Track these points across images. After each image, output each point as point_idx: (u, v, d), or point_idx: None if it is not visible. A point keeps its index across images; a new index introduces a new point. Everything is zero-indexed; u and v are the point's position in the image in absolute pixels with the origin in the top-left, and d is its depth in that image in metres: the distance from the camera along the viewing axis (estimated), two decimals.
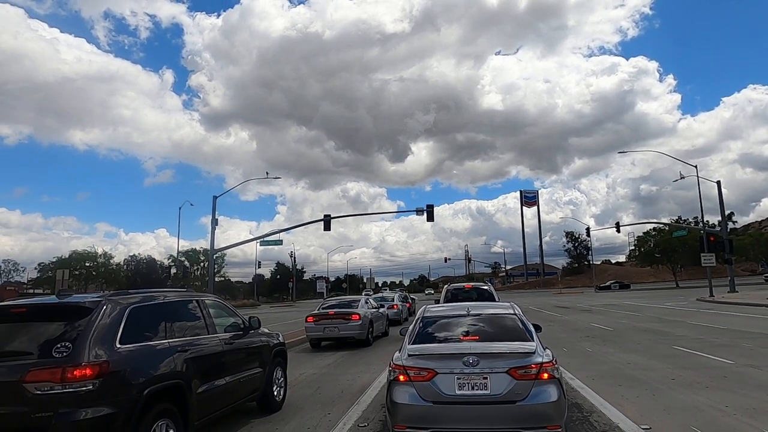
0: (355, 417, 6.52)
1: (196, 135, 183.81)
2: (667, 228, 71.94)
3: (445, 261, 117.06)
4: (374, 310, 16.42)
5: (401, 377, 4.72)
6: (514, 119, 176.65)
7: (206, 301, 6.14)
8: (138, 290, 5.31)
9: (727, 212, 50.59)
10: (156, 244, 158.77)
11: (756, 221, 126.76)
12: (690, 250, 66.33)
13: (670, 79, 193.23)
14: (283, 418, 6.70)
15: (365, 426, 6.09)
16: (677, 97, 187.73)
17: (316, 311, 15.23)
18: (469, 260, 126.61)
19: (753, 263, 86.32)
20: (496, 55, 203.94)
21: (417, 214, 34.60)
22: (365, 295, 27.52)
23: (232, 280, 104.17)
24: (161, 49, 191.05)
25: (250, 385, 6.38)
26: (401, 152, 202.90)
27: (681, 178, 41.05)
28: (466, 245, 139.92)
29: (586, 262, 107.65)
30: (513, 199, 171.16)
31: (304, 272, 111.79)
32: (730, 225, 71.08)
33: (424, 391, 4.54)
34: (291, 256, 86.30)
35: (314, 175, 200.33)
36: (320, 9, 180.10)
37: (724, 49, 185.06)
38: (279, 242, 42.63)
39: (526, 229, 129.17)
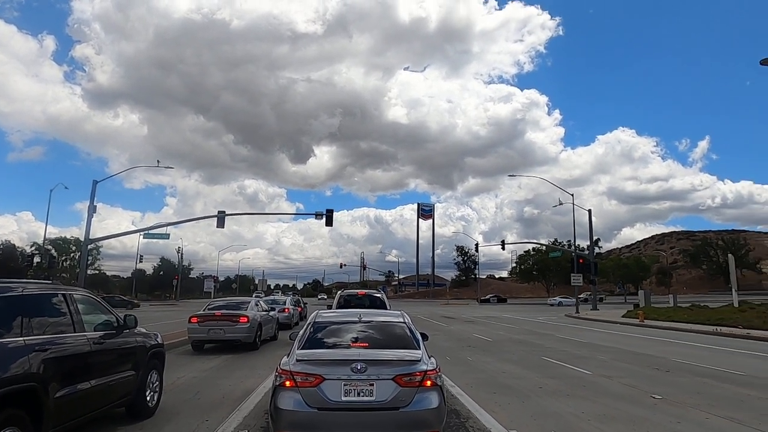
0: (236, 423, 6.26)
1: (77, 111, 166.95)
2: (544, 249, 78.65)
3: (341, 267, 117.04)
4: (264, 313, 15.96)
5: (287, 383, 4.63)
6: (417, 134, 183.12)
7: (75, 295, 5.55)
8: None
9: (594, 238, 56.45)
10: (17, 228, 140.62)
11: (617, 248, 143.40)
12: (562, 270, 73.05)
13: (557, 114, 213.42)
14: (156, 425, 6.24)
15: None
16: (561, 131, 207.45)
17: (201, 312, 14.44)
18: (364, 267, 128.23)
19: (612, 285, 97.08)
20: (404, 70, 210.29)
21: (316, 218, 34.39)
22: (256, 297, 26.67)
23: (108, 273, 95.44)
24: (40, 10, 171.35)
25: (120, 389, 5.86)
26: (304, 153, 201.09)
27: (559, 204, 45.25)
28: (362, 252, 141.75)
29: (473, 276, 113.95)
30: (410, 210, 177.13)
31: (192, 269, 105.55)
32: (597, 250, 79.43)
33: (309, 398, 4.49)
34: (178, 252, 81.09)
35: (210, 168, 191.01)
36: None
37: (601, 93, 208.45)
38: (165, 236, 39.83)
39: (420, 241, 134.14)
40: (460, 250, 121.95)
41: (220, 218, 32.10)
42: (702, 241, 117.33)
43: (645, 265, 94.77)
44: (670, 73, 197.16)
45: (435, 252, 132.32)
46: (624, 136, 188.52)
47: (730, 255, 48.10)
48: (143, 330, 6.99)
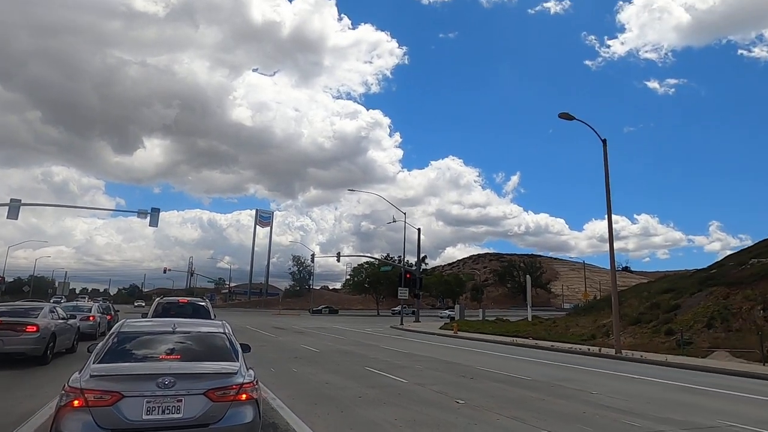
0: None
1: None
2: (377, 263, 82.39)
3: (165, 271, 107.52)
4: (61, 321, 13.79)
5: (76, 402, 4.02)
6: (261, 138, 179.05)
7: None
8: None
9: (422, 255, 61.03)
10: None
11: (440, 265, 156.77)
12: (392, 284, 77.16)
13: (397, 136, 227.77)
14: None
15: None
16: (400, 153, 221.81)
17: None
18: (192, 273, 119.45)
19: (434, 298, 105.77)
20: (253, 71, 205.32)
21: (139, 217, 31.24)
22: (53, 302, 22.99)
23: None
24: None
25: None
26: (130, 143, 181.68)
27: (393, 221, 48.01)
28: (191, 257, 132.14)
29: (307, 286, 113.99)
30: (247, 216, 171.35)
31: None
32: (423, 266, 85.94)
33: (102, 418, 3.95)
34: None
35: (6, 147, 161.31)
36: None
37: (437, 122, 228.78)
38: None
39: (256, 248, 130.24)
40: (297, 260, 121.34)
41: (14, 207, 27.14)
42: (508, 263, 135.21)
43: (462, 282, 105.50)
44: (495, 111, 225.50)
45: (270, 261, 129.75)
46: (453, 164, 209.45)
47: (527, 276, 55.99)
48: None
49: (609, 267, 22.25)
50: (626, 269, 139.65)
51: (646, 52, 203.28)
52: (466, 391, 10.00)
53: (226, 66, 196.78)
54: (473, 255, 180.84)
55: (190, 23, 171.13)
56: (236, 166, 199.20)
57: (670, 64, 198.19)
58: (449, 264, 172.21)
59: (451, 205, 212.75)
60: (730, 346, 18.84)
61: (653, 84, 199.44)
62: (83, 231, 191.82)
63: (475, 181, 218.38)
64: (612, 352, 19.26)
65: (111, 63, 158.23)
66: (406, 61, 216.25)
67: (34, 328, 11.80)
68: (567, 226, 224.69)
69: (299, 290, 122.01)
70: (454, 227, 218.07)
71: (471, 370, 13.62)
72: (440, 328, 35.09)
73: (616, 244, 22.52)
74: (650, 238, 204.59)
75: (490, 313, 58.94)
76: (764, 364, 16.18)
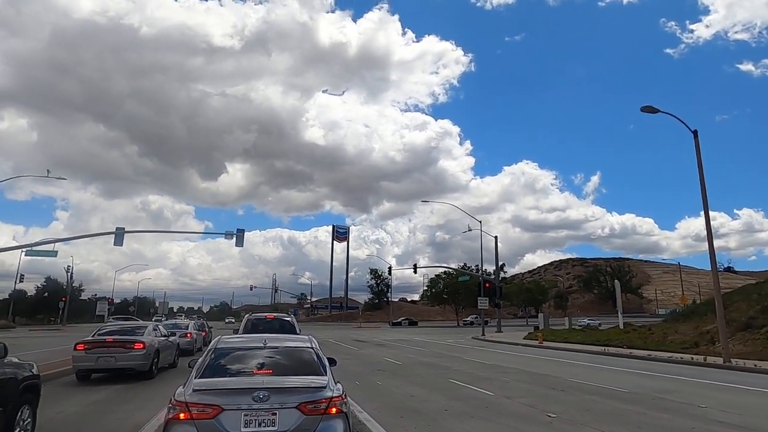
0: None
1: None
2: (454, 273, 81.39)
3: (251, 289, 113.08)
4: (163, 338, 14.88)
5: (182, 415, 4.30)
6: (334, 156, 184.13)
7: None
8: None
9: (500, 263, 59.56)
10: None
11: (520, 272, 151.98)
12: (471, 294, 75.79)
13: (468, 144, 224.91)
14: None
15: None
16: (472, 160, 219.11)
17: (89, 337, 13.14)
18: (276, 290, 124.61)
19: (515, 307, 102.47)
20: (323, 92, 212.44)
21: (226, 238, 33.12)
22: (155, 321, 24.87)
23: None
24: None
25: None
26: (215, 170, 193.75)
27: (469, 230, 47.33)
28: (275, 274, 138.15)
29: (385, 299, 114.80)
30: (324, 232, 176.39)
31: (83, 290, 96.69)
32: (502, 274, 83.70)
33: (205, 430, 4.20)
34: (67, 271, 73.79)
35: (109, 180, 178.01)
36: (140, 2, 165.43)
37: (508, 126, 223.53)
38: (52, 254, 36.11)
39: (334, 263, 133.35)
40: (374, 273, 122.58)
41: (119, 235, 29.80)
42: (593, 268, 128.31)
43: (544, 290, 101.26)
44: (568, 111, 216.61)
45: (349, 275, 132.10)
46: (528, 168, 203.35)
47: (616, 281, 52.77)
48: (15, 360, 6.22)
49: (708, 268, 20.47)
50: (729, 269, 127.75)
51: (737, 32, 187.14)
52: (557, 404, 9.56)
53: (298, 89, 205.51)
54: (554, 261, 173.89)
55: (263, 52, 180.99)
56: (312, 184, 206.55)
57: (766, 43, 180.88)
58: (529, 271, 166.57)
59: (528, 210, 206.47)
60: None
61: (747, 66, 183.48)
62: (178, 253, 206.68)
63: (552, 185, 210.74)
64: (719, 361, 17.60)
65: (195, 96, 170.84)
66: (473, 68, 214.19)
67: (141, 345, 12.83)
68: (656, 225, 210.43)
69: (378, 303, 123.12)
70: (533, 233, 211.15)
71: (561, 381, 13.01)
72: (524, 338, 33.88)
73: (716, 243, 20.70)
74: (755, 235, 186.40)
75: (577, 321, 56.13)
76: None
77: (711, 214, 20.03)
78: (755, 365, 16.53)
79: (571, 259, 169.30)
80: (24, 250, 35.87)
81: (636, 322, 46.57)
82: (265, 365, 5.20)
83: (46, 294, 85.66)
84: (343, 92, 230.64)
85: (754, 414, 8.80)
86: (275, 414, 4.33)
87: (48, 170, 31.63)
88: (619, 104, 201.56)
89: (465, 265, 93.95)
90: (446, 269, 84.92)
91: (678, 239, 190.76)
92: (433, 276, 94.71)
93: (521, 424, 7.87)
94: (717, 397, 10.67)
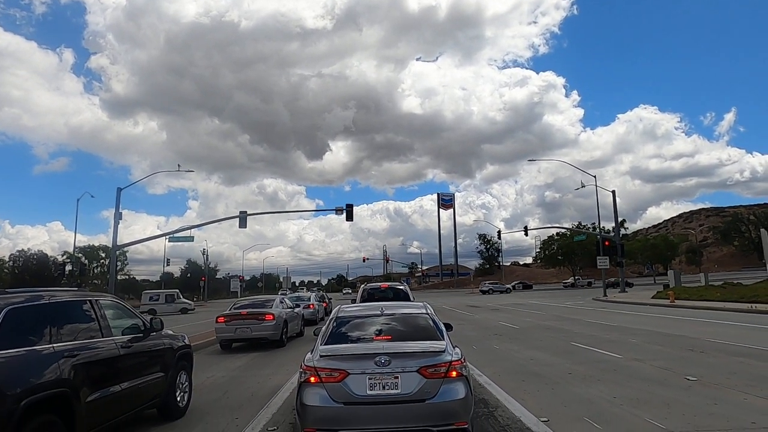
0: (264, 421, 6.31)
1: (98, 122, 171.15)
2: (568, 233, 77.48)
3: (363, 261, 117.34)
4: (289, 310, 16.09)
5: (312, 378, 4.62)
6: (432, 123, 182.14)
7: (101, 301, 5.64)
8: (20, 289, 4.78)
9: (619, 219, 55.45)
10: (48, 238, 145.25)
11: (643, 228, 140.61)
12: (588, 254, 71.83)
13: (575, 95, 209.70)
14: (187, 425, 6.33)
15: (275, 429, 5.91)
16: (580, 112, 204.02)
17: (227, 311, 14.63)
18: (387, 260, 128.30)
19: (640, 266, 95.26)
20: (416, 60, 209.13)
21: (336, 214, 34.48)
22: (281, 294, 26.92)
23: (138, 278, 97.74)
24: (58, 25, 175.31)
25: (150, 390, 5.95)
26: (319, 149, 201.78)
27: (582, 186, 44.43)
28: (384, 245, 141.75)
29: (496, 264, 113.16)
30: (429, 201, 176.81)
31: (218, 270, 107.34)
32: (622, 231, 78.00)
33: (335, 393, 4.47)
34: (203, 254, 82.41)
35: (228, 169, 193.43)
36: None
37: (620, 70, 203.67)
38: (190, 239, 40.44)
39: (441, 231, 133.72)
40: (483, 238, 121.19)
41: (242, 218, 32.43)
42: (732, 217, 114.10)
43: (673, 245, 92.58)
44: (689, 46, 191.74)
45: (457, 241, 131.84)
46: (645, 113, 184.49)
47: (762, 230, 46.62)
48: (170, 332, 7.09)
49: None
50: None
51: None
52: (696, 367, 8.78)
53: (391, 61, 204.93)
54: (683, 213, 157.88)
55: (354, 28, 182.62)
56: (413, 154, 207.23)
57: None
58: (654, 226, 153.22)
59: (649, 159, 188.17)
60: None
61: None
62: (294, 231, 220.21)
63: (676, 128, 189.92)
64: None
65: (294, 80, 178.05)
66: (575, 12, 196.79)
67: (271, 317, 14.01)
68: None
69: (489, 268, 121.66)
70: (655, 184, 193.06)
71: (699, 342, 11.91)
72: (652, 298, 31.44)
73: None
74: None
75: (714, 278, 50.69)
76: None
77: None
78: None
79: (703, 209, 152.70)
80: (167, 237, 40.58)
81: None
82: (384, 332, 5.39)
83: (189, 275, 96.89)
84: (437, 57, 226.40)
85: None
86: (397, 377, 4.48)
87: (179, 165, 35.22)
88: (753, 23, 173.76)
89: (580, 224, 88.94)
90: (559, 230, 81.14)
91: None
92: (546, 237, 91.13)
93: (656, 387, 7.35)
94: None
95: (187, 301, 47.53)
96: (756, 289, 30.21)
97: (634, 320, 18.89)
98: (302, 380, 4.73)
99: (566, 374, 8.66)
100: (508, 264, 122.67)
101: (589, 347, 11.81)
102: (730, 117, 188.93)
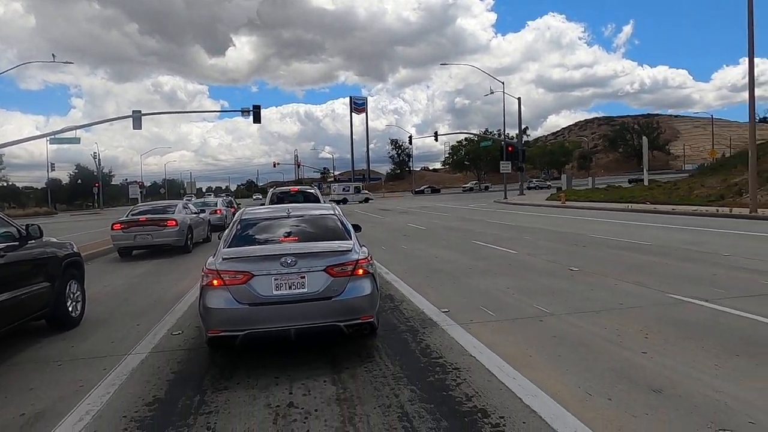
0: (169, 326, 6.15)
1: None
2: (475, 138, 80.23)
3: (274, 166, 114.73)
4: (194, 215, 15.43)
5: (215, 282, 4.47)
6: (344, 20, 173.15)
7: None
8: None
9: (523, 126, 58.02)
10: None
11: (543, 135, 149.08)
12: (493, 159, 75.34)
13: None
14: (82, 333, 6.00)
15: (179, 333, 5.79)
16: (493, 17, 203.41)
17: (124, 218, 13.71)
18: (298, 165, 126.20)
19: (539, 170, 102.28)
20: None
21: (243, 116, 32.67)
22: (186, 200, 25.70)
23: (19, 185, 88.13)
24: None
25: (34, 301, 5.48)
26: (221, 44, 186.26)
27: (490, 93, 45.48)
28: (295, 150, 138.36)
29: (407, 169, 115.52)
30: (341, 104, 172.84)
31: (113, 176, 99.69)
32: (524, 138, 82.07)
33: (239, 294, 4.38)
34: (94, 158, 75.59)
35: (116, 63, 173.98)
36: None
37: None
38: (75, 140, 36.33)
39: (354, 136, 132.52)
40: (394, 143, 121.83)
41: (136, 119, 29.66)
42: (620, 126, 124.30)
43: (568, 151, 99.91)
44: None
45: (369, 146, 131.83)
46: (554, 21, 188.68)
47: (644, 138, 51.29)
48: (54, 240, 6.48)
49: (742, 120, 19.44)
50: (765, 120, 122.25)
51: None
52: (579, 259, 9.78)
53: None
54: (579, 121, 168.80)
55: None
56: (324, 54, 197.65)
57: None
58: (553, 133, 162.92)
59: (553, 69, 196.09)
60: None
61: None
62: (198, 135, 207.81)
63: (579, 38, 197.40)
64: (745, 212, 17.52)
65: None
66: None
67: (174, 223, 13.36)
68: (690, 77, 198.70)
69: (400, 173, 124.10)
70: (557, 93, 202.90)
71: (583, 238, 13.24)
72: (547, 200, 34.18)
73: (755, 91, 19.35)
74: None
75: (601, 181, 55.93)
76: None
77: (755, 60, 18.45)
78: None
79: (596, 118, 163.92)
80: (48, 139, 36.23)
81: (662, 178, 46.14)
82: (291, 233, 5.29)
83: (79, 181, 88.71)
84: None
85: None
86: (304, 277, 4.46)
87: (53, 55, 30.64)
88: None
89: (487, 130, 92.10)
90: (467, 135, 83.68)
91: (712, 90, 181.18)
92: (455, 143, 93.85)
93: (544, 278, 8.12)
94: (741, 246, 10.74)
95: None
96: (632, 191, 33.84)
97: (529, 220, 20.49)
98: (204, 284, 4.56)
99: (467, 270, 9.26)
100: (419, 169, 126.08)
101: (488, 245, 12.67)
102: (627, 29, 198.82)
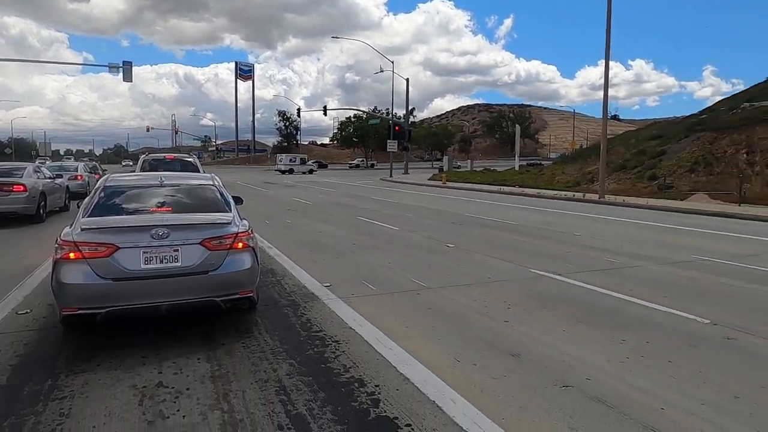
0: (14, 303, 5.42)
1: None
2: (364, 116, 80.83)
3: (147, 130, 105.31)
4: (48, 180, 13.65)
5: (72, 254, 4.01)
6: None
7: None
8: None
9: (410, 107, 59.66)
10: None
11: (429, 117, 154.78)
12: (380, 137, 76.71)
13: None
14: None
15: (27, 312, 5.13)
16: None
17: None
18: (176, 131, 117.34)
19: (423, 151, 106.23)
20: None
21: (110, 72, 29.36)
22: (38, 163, 22.64)
23: None
24: None
25: None
26: None
27: (380, 71, 45.92)
28: (173, 115, 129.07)
29: (295, 142, 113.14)
30: (225, 70, 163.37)
31: None
32: (411, 119, 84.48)
33: (101, 269, 3.98)
34: None
35: None
36: None
37: None
38: None
39: (239, 104, 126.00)
40: (282, 114, 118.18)
41: None
42: (497, 114, 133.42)
43: (451, 134, 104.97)
44: None
45: (255, 116, 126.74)
46: (443, 7, 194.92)
47: (517, 126, 55.57)
48: None
49: (597, 115, 21.93)
50: (615, 118, 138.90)
51: None
52: (455, 237, 10.41)
53: None
54: (462, 106, 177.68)
55: None
56: (207, 12, 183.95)
57: None
58: (438, 116, 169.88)
59: (440, 53, 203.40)
60: (710, 189, 19.48)
61: None
62: (54, 89, 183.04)
63: (465, 26, 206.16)
64: (596, 197, 19.91)
65: None
66: None
67: (22, 188, 11.70)
68: (559, 73, 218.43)
69: (287, 146, 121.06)
70: (443, 77, 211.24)
71: (460, 217, 14.09)
72: (429, 179, 35.75)
73: (609, 91, 21.84)
74: (642, 85, 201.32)
75: (479, 164, 59.74)
76: (740, 205, 16.89)
77: (610, 63, 20.81)
78: (623, 200, 18.95)
79: (477, 104, 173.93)
80: None
81: (531, 165, 50.50)
82: (165, 203, 4.92)
83: None
84: None
85: (617, 240, 10.24)
86: (177, 250, 4.18)
87: None
88: None
89: (375, 108, 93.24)
90: (357, 112, 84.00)
91: (576, 87, 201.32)
92: (344, 119, 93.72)
93: (422, 253, 8.52)
94: (591, 227, 12.21)
95: None
96: (505, 175, 36.69)
97: (412, 198, 21.29)
98: (59, 257, 4.08)
99: (351, 245, 9.39)
100: (307, 143, 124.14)
101: (372, 221, 12.94)
102: (508, 23, 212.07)
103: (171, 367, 3.83)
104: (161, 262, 4.16)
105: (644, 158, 26.08)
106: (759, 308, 5.52)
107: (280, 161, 60.17)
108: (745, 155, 21.03)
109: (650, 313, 5.27)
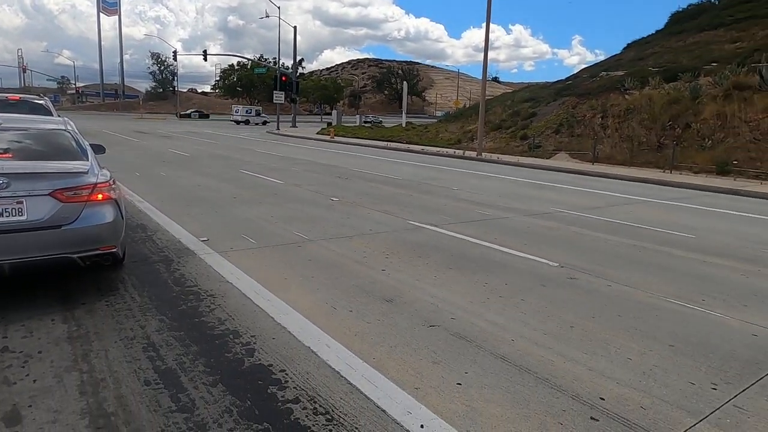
0: None
1: None
2: (249, 64, 76.50)
3: None
4: None
5: None
6: None
7: None
8: None
9: (298, 58, 57.58)
10: None
11: (318, 69, 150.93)
12: (267, 88, 73.37)
13: None
14: None
15: None
16: None
17: None
18: (24, 69, 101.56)
19: (312, 104, 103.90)
20: None
21: None
22: None
23: None
24: None
25: None
26: None
27: (266, 16, 43.58)
28: (20, 50, 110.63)
29: (171, 89, 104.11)
30: (84, 0, 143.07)
31: None
32: (300, 70, 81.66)
33: None
34: None
35: None
36: None
37: None
38: None
39: (103, 43, 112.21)
40: (156, 57, 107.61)
41: None
42: (387, 70, 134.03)
43: (340, 88, 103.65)
44: None
45: (123, 57, 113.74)
46: None
47: (405, 83, 56.46)
48: None
49: (481, 77, 23.01)
50: (495, 80, 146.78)
51: None
52: (340, 190, 10.49)
53: None
54: (352, 60, 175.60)
55: None
56: None
57: None
58: (327, 69, 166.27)
59: (330, 2, 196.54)
60: (571, 149, 21.65)
61: None
62: None
63: None
64: (474, 154, 21.14)
65: None
66: None
67: None
68: (446, 32, 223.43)
69: (162, 93, 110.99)
70: (333, 28, 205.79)
71: (346, 171, 14.17)
72: (317, 134, 35.24)
73: (489, 54, 22.93)
74: (520, 50, 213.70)
75: (368, 120, 60.00)
76: (593, 164, 19.05)
77: (491, 26, 21.76)
78: (498, 158, 20.38)
79: (367, 59, 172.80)
80: None
81: (417, 122, 51.94)
82: (8, 150, 4.30)
83: None
84: None
85: (490, 194, 11.06)
86: (21, 202, 3.71)
87: None
88: None
89: (262, 56, 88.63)
90: (241, 60, 79.17)
91: (461, 48, 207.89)
92: (227, 66, 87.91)
93: (306, 207, 8.50)
94: (468, 182, 13.01)
95: None
96: (393, 131, 37.39)
97: (299, 152, 20.90)
98: None
99: (231, 199, 9.05)
100: (185, 90, 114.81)
101: (255, 174, 12.54)
102: None
103: (19, 330, 3.48)
104: (2, 215, 3.67)
105: (518, 119, 28.05)
106: (599, 252, 6.37)
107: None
108: (600, 119, 23.52)
109: (511, 258, 5.84)
